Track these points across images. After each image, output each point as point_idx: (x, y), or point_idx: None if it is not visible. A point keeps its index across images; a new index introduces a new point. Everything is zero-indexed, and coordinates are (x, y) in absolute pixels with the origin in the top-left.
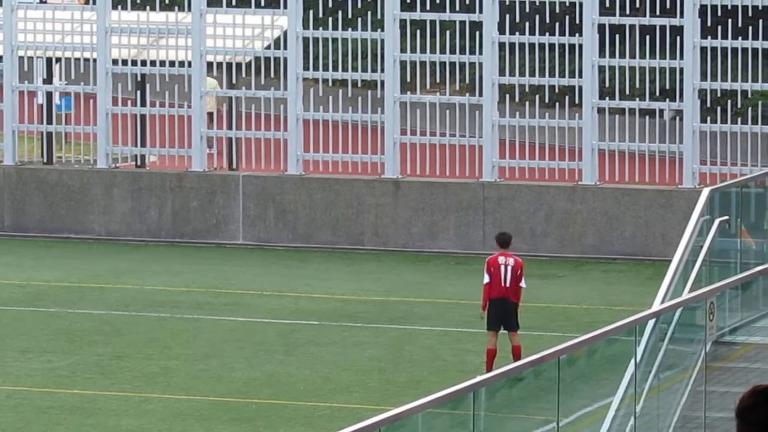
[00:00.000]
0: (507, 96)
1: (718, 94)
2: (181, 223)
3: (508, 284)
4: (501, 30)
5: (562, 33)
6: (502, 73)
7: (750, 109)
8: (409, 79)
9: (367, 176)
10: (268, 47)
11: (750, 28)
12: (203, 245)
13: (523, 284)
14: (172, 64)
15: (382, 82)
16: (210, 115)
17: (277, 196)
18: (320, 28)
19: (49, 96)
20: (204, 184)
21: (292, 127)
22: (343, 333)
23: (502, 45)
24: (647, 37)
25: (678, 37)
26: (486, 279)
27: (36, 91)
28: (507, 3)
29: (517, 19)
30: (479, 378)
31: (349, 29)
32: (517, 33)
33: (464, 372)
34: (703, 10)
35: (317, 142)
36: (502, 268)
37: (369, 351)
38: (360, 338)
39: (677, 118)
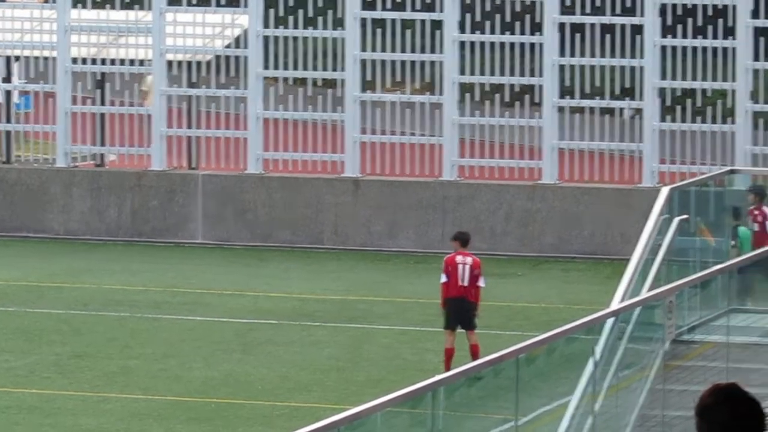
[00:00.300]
0: (467, 95)
1: (678, 93)
2: (141, 222)
3: (466, 283)
4: (461, 29)
5: (522, 32)
6: (462, 71)
7: (709, 108)
8: (369, 78)
9: (327, 175)
10: (229, 46)
11: (709, 27)
12: (162, 244)
13: (481, 283)
14: (132, 62)
15: (343, 81)
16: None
17: (236, 195)
18: (281, 27)
19: (8, 94)
20: (163, 183)
21: (252, 126)
22: (302, 332)
23: (462, 44)
24: (607, 36)
25: (638, 36)
26: (443, 278)
27: None
28: (467, 2)
29: (478, 18)
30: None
31: (310, 28)
32: (477, 32)
33: (423, 371)
34: (663, 9)
35: (277, 141)
36: (460, 267)
37: (328, 350)
38: (319, 337)
39: (637, 116)
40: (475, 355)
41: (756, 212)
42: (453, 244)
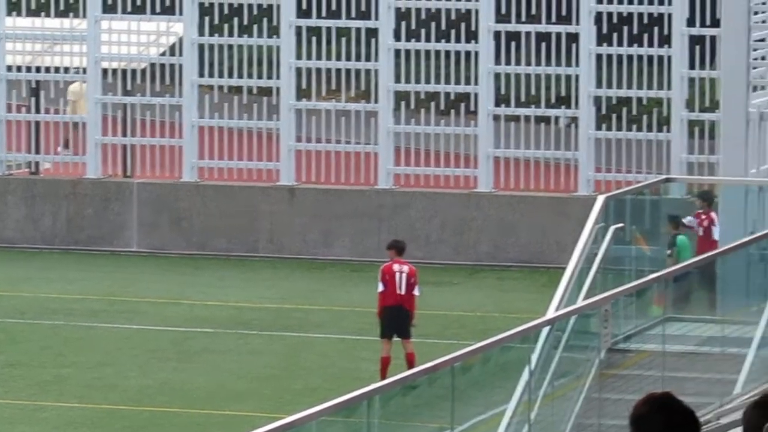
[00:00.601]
0: (403, 103)
1: (614, 102)
2: (76, 230)
3: (402, 292)
4: (397, 37)
5: (458, 40)
6: (397, 80)
7: (645, 116)
8: (304, 86)
9: (263, 183)
10: (164, 54)
11: (645, 35)
12: (98, 252)
13: (416, 292)
14: (66, 70)
15: (278, 89)
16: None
17: (172, 204)
18: (216, 35)
19: None
20: (99, 191)
21: (187, 134)
22: (238, 340)
23: (397, 52)
24: (543, 44)
25: (574, 45)
26: (380, 287)
27: None
28: (403, 10)
29: (413, 26)
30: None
31: (245, 36)
32: (412, 40)
33: (359, 380)
34: (598, 17)
35: (212, 149)
36: (397, 275)
37: (264, 358)
38: (255, 346)
39: (572, 125)
40: (411, 364)
41: (703, 216)
42: (389, 252)
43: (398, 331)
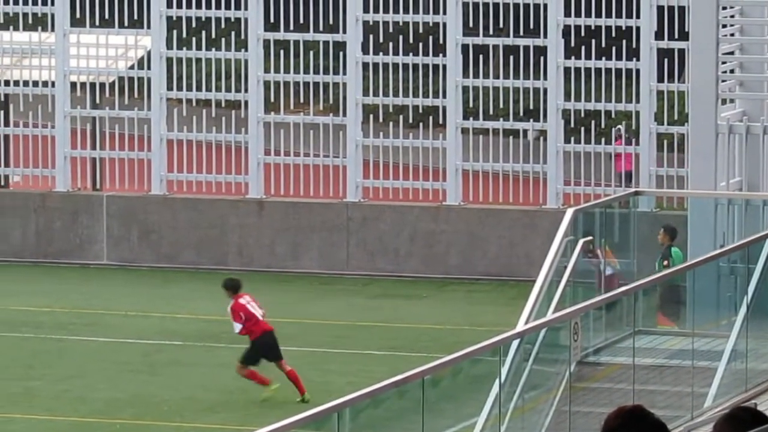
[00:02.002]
0: (371, 116)
1: (582, 115)
2: (45, 243)
3: (263, 317)
4: (365, 50)
5: (425, 53)
6: (365, 93)
7: (613, 129)
8: (272, 99)
9: (231, 196)
10: (132, 67)
11: (613, 48)
12: (67, 265)
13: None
14: (35, 84)
15: (246, 102)
16: None
17: (140, 216)
18: (184, 48)
19: None
20: (68, 205)
21: (155, 147)
22: (207, 353)
23: (365, 65)
24: (511, 57)
25: (542, 58)
26: (239, 327)
27: None
28: (370, 23)
29: (381, 40)
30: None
31: (213, 49)
32: (380, 53)
33: (328, 392)
34: (566, 30)
35: (181, 162)
36: (248, 306)
37: (233, 371)
38: (224, 358)
39: (541, 138)
40: (297, 380)
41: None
42: (227, 293)
43: (275, 353)
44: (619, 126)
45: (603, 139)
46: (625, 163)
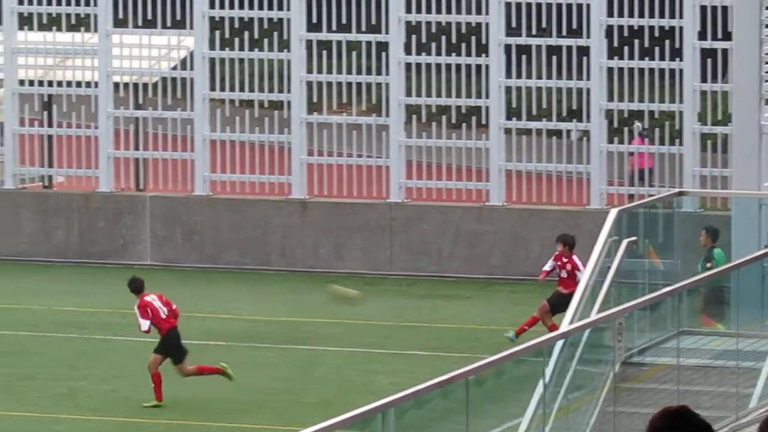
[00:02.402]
0: (414, 116)
1: (625, 115)
2: (88, 243)
3: (167, 314)
4: (407, 50)
5: (468, 53)
6: (408, 93)
7: (657, 129)
8: (315, 100)
9: (274, 197)
10: (175, 68)
11: (656, 48)
12: (110, 266)
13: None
14: (78, 84)
15: (289, 103)
16: None
17: (184, 217)
18: (227, 49)
19: None
20: (111, 205)
21: (198, 148)
22: (251, 353)
23: (408, 65)
24: (554, 57)
25: (584, 58)
26: (145, 325)
27: None
28: (413, 23)
29: (424, 40)
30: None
31: (256, 50)
32: (423, 53)
33: (372, 393)
34: (609, 30)
35: (224, 163)
36: (154, 303)
37: (276, 371)
38: (267, 359)
39: (584, 138)
40: (205, 371)
41: (564, 260)
42: (135, 294)
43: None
44: (638, 123)
45: (646, 140)
46: (646, 161)
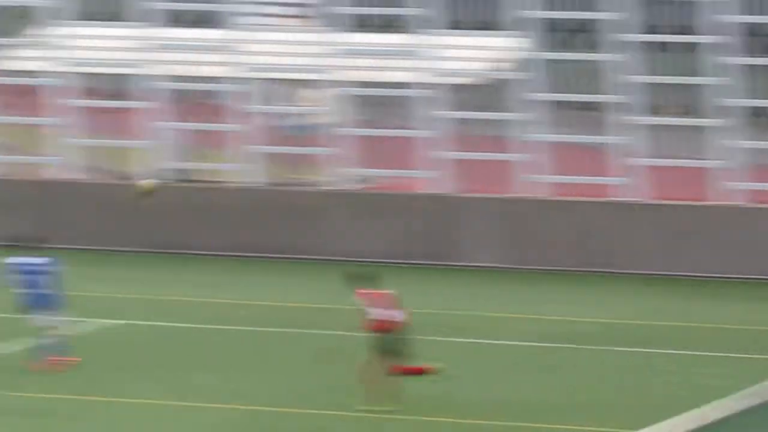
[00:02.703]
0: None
1: None
2: (412, 244)
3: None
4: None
5: None
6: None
7: None
8: (652, 103)
9: (602, 198)
10: (500, 70)
11: None
12: (442, 267)
13: None
14: (401, 85)
15: (616, 105)
16: None
17: (513, 219)
18: (556, 51)
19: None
20: (434, 206)
21: (524, 150)
22: (604, 354)
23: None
24: None
25: None
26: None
27: None
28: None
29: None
30: None
31: (584, 52)
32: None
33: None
34: None
35: (553, 165)
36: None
37: (621, 374)
38: (618, 360)
39: None
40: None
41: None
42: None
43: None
44: None
45: None
46: None
